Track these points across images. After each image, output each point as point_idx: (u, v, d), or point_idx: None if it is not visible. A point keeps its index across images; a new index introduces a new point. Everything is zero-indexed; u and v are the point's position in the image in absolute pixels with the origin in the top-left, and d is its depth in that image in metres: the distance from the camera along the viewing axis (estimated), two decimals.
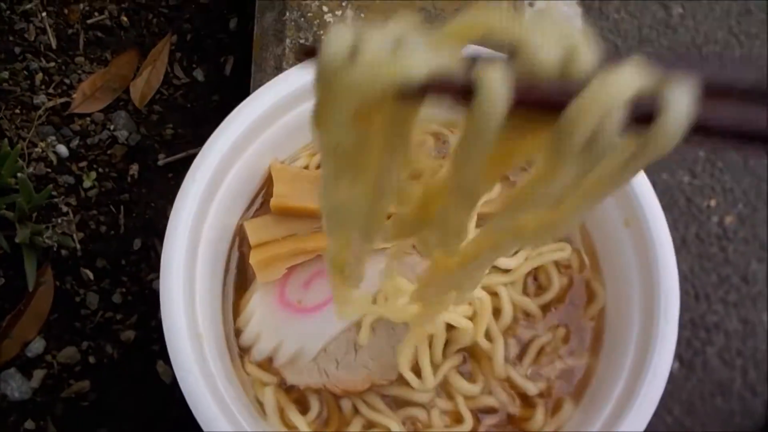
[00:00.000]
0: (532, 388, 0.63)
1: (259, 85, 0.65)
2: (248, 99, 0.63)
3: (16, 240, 0.89)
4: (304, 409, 0.62)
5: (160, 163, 1.03)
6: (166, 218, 1.01)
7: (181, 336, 0.55)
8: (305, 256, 0.64)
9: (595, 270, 0.68)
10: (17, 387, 0.90)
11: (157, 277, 0.95)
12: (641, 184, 0.63)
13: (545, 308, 0.66)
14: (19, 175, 0.89)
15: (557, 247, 0.68)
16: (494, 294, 0.64)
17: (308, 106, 0.64)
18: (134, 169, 1.02)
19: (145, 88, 1.07)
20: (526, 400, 0.64)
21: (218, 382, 0.57)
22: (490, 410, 0.63)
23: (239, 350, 0.63)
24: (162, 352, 0.95)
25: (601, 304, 0.66)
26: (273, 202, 0.64)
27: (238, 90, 1.07)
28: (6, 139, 0.97)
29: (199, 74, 1.11)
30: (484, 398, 0.63)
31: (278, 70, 0.85)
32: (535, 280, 0.67)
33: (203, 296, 0.60)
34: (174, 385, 0.92)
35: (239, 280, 0.66)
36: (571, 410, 0.63)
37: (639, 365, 0.59)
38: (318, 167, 0.69)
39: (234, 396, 0.58)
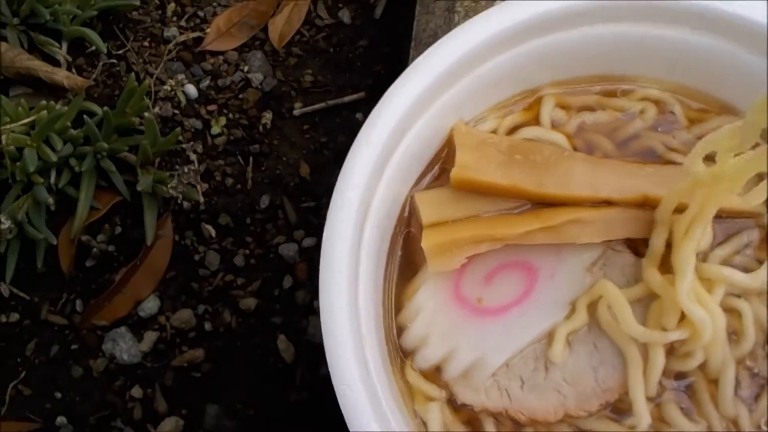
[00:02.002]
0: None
1: (426, 30, 0.52)
2: (437, 44, 0.50)
3: (138, 188, 0.79)
4: None
5: (296, 112, 0.91)
6: (299, 175, 0.90)
7: (342, 341, 0.43)
8: (491, 244, 0.50)
9: None
10: (127, 348, 0.81)
11: (285, 241, 0.84)
12: None
13: None
14: (145, 114, 0.78)
15: None
16: (732, 311, 0.50)
17: (511, 54, 0.50)
18: (267, 117, 0.91)
19: (285, 27, 0.95)
20: None
21: (381, 397, 0.45)
22: None
23: (400, 352, 0.51)
24: (285, 326, 0.84)
25: None
26: (454, 173, 0.51)
27: (390, 35, 0.94)
28: (133, 74, 0.87)
29: (345, 15, 0.98)
30: None
31: (450, 12, 0.71)
32: None
33: (367, 288, 0.48)
34: (296, 365, 0.82)
35: (403, 266, 0.53)
36: None
37: None
38: (510, 132, 0.55)
39: (395, 409, 0.46)
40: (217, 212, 0.87)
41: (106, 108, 0.80)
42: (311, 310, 0.84)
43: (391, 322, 0.52)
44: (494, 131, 0.56)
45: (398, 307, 0.52)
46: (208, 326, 0.83)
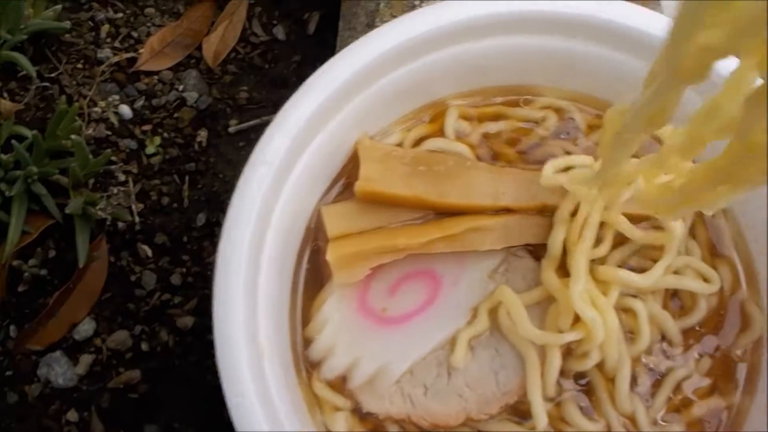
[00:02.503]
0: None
1: (347, 45, 0.54)
2: (335, 58, 0.51)
3: (66, 210, 0.80)
4: None
5: (232, 129, 0.93)
6: None
7: (237, 351, 0.44)
8: (394, 255, 0.52)
9: (753, 291, 0.54)
10: (62, 372, 0.82)
11: None
12: None
13: (687, 335, 0.53)
14: (73, 136, 0.79)
15: (704, 275, 0.54)
16: (628, 311, 0.52)
17: (414, 66, 0.52)
18: (202, 135, 0.92)
19: (220, 45, 0.96)
20: None
21: (278, 408, 0.46)
22: None
23: (306, 364, 0.52)
24: None
25: (759, 333, 0.53)
26: (358, 186, 0.53)
27: (323, 50, 0.96)
28: (64, 96, 0.88)
29: (279, 32, 0.99)
30: None
31: (370, 27, 0.73)
32: (675, 298, 0.54)
33: (267, 298, 0.49)
34: None
35: (311, 279, 0.55)
36: None
37: None
38: (416, 144, 0.57)
39: (295, 421, 0.47)
40: (153, 232, 0.88)
41: (35, 131, 0.81)
42: None
43: (298, 335, 0.53)
44: (400, 144, 0.57)
45: (306, 320, 0.54)
46: (144, 346, 0.84)
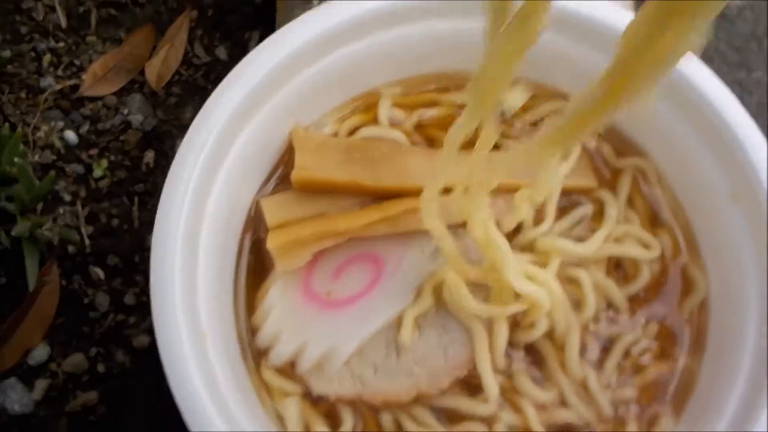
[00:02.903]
0: (618, 397, 0.50)
1: None
2: (262, 44, 0.51)
3: (13, 233, 0.78)
4: (334, 424, 0.50)
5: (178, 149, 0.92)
6: None
7: (178, 338, 0.44)
8: (335, 239, 0.52)
9: (693, 254, 0.55)
10: (18, 399, 0.80)
11: None
12: (756, 148, 0.50)
13: (633, 302, 0.54)
14: (16, 160, 0.78)
15: (643, 242, 0.55)
16: (572, 281, 0.52)
17: (342, 54, 0.52)
18: (150, 156, 0.91)
19: (162, 68, 0.96)
20: (613, 414, 0.51)
21: (226, 394, 0.45)
22: (569, 428, 0.51)
23: (254, 353, 0.52)
24: None
25: (702, 295, 0.53)
26: (294, 174, 0.53)
27: None
28: (6, 124, 0.87)
29: (221, 52, 1.00)
30: (560, 412, 0.51)
31: None
32: (619, 268, 0.55)
33: (208, 288, 0.49)
34: None
35: (255, 270, 0.54)
36: (670, 425, 0.50)
37: (760, 371, 0.45)
38: (350, 134, 0.57)
39: (247, 410, 0.46)
40: (104, 254, 0.87)
41: None
42: None
43: (244, 325, 0.52)
44: (335, 135, 0.58)
45: (251, 310, 0.53)
46: (101, 368, 0.82)
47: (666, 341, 0.53)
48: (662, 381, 0.52)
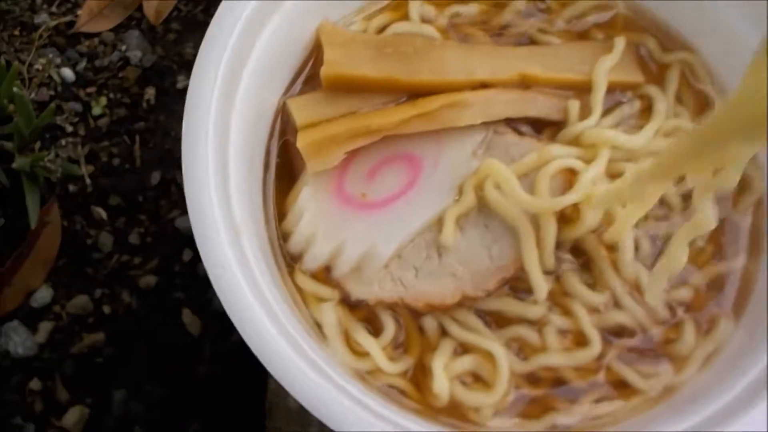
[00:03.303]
0: (673, 298, 0.47)
1: None
2: None
3: (13, 165, 0.74)
4: (375, 330, 0.47)
5: (180, 86, 0.88)
6: None
7: (213, 225, 0.40)
8: (369, 137, 0.48)
9: None
10: (21, 342, 0.76)
11: (180, 215, 0.80)
12: None
13: (686, 200, 0.50)
14: (15, 90, 0.74)
15: None
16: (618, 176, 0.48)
17: None
18: (150, 93, 0.87)
19: (161, 4, 0.92)
20: (669, 316, 0.48)
21: (265, 290, 0.41)
22: (622, 330, 0.48)
23: (287, 259, 0.48)
24: (188, 300, 0.80)
25: (758, 193, 0.51)
26: (324, 71, 0.49)
27: None
28: (2, 58, 0.82)
29: None
30: (612, 314, 0.47)
31: None
32: None
33: (239, 185, 0.45)
34: (203, 337, 0.78)
35: (283, 174, 0.51)
36: (730, 328, 0.47)
37: None
38: (381, 31, 0.54)
39: (287, 311, 0.43)
40: (106, 193, 0.83)
41: None
42: None
43: (274, 230, 0.49)
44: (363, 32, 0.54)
45: (282, 215, 0.49)
46: (107, 309, 0.78)
47: (722, 241, 0.50)
48: (719, 282, 0.49)
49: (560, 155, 0.48)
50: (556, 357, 0.46)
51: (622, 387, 0.47)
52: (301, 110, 0.50)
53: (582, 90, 0.52)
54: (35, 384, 0.75)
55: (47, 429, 0.75)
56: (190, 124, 0.43)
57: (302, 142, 0.48)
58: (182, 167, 0.42)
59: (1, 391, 0.75)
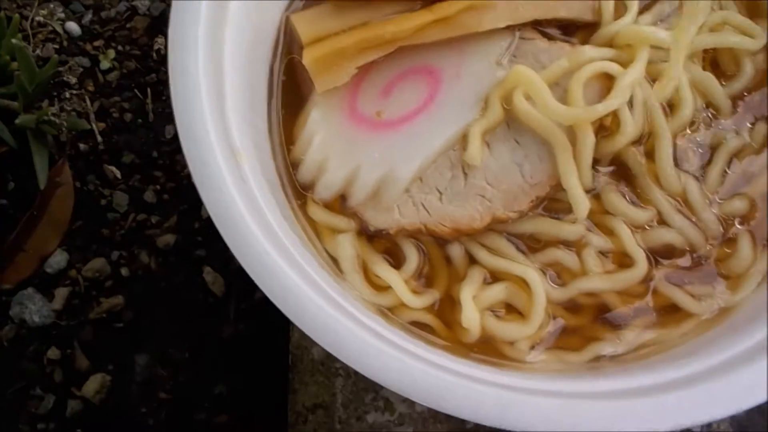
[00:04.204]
0: (726, 211, 0.43)
1: None
2: None
3: (16, 121, 0.72)
4: (396, 261, 0.44)
5: None
6: None
7: (205, 141, 0.37)
8: (382, 49, 0.45)
9: None
10: (37, 310, 0.74)
11: None
12: None
13: (734, 103, 0.46)
14: (14, 41, 0.72)
15: (744, 30, 0.47)
16: (662, 79, 0.44)
17: None
18: (160, 42, 0.84)
19: None
20: (722, 232, 0.44)
21: (271, 220, 0.38)
22: (671, 250, 0.44)
23: (296, 190, 0.45)
24: (209, 258, 0.77)
25: None
26: None
27: None
28: (4, 15, 0.80)
29: None
30: (659, 232, 0.44)
31: None
32: (716, 67, 0.47)
33: (237, 107, 0.42)
34: (227, 296, 0.75)
35: (291, 97, 0.47)
36: None
37: None
38: None
39: (298, 244, 0.40)
40: (119, 151, 0.81)
41: None
42: None
43: (282, 160, 0.46)
44: None
45: (291, 143, 0.46)
46: (125, 272, 0.77)
47: None
48: None
49: (594, 57, 0.44)
50: (598, 281, 0.43)
51: (671, 311, 0.43)
52: (306, 24, 0.46)
53: None
54: (53, 353, 0.73)
55: (68, 399, 0.73)
56: (177, 32, 0.40)
57: (308, 58, 0.45)
58: (169, 81, 0.39)
59: (18, 361, 0.73)
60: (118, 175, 0.79)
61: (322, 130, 0.45)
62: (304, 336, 0.45)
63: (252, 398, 0.73)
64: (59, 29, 0.81)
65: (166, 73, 0.82)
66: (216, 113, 0.39)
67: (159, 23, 0.85)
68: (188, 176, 0.79)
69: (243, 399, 0.74)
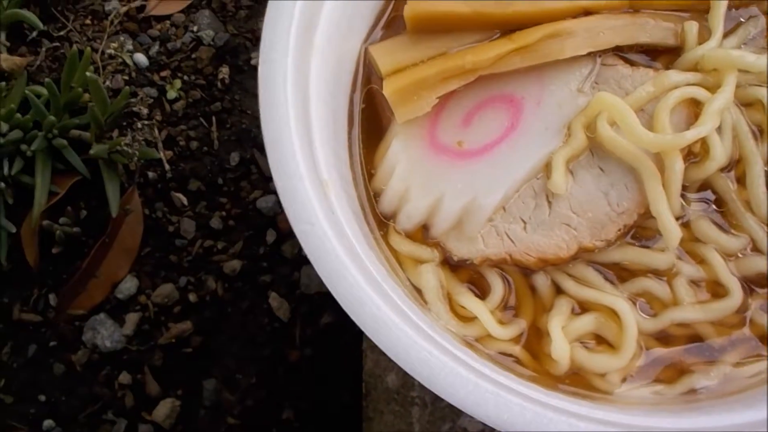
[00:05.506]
0: None
1: None
2: None
3: (91, 152, 0.72)
4: (482, 292, 0.42)
5: (254, 62, 0.85)
6: None
7: (296, 174, 0.36)
8: (462, 78, 0.44)
9: None
10: (108, 335, 0.74)
11: (261, 195, 0.77)
12: None
13: None
14: (88, 74, 0.72)
15: None
16: (752, 103, 0.42)
17: None
18: (224, 72, 0.84)
19: None
20: None
21: (359, 250, 0.37)
22: (765, 278, 0.41)
23: (378, 220, 0.43)
24: (275, 283, 0.76)
25: None
26: (408, 9, 0.45)
27: None
28: (75, 46, 0.81)
29: None
30: (753, 260, 0.41)
31: None
32: None
33: (323, 138, 0.40)
34: (292, 321, 0.74)
35: (371, 127, 0.46)
36: None
37: None
38: None
39: (384, 273, 0.38)
40: (185, 178, 0.80)
41: (48, 80, 0.74)
42: (301, 260, 0.76)
43: (363, 190, 0.44)
44: None
45: (371, 173, 0.45)
46: (192, 297, 0.76)
47: None
48: None
49: (680, 82, 0.42)
50: (691, 311, 0.41)
51: None
52: (385, 56, 0.45)
53: (698, 10, 0.46)
54: (124, 377, 0.73)
55: (139, 423, 0.73)
56: (267, 66, 0.38)
57: (389, 89, 0.43)
58: (260, 111, 0.38)
59: (90, 386, 0.73)
60: (185, 202, 0.79)
61: (403, 160, 0.43)
62: (378, 363, 0.43)
63: (321, 424, 0.72)
64: (129, 61, 0.81)
65: (230, 101, 0.82)
66: (305, 144, 0.38)
67: (223, 53, 0.85)
68: (253, 202, 0.79)
69: (311, 424, 0.72)
